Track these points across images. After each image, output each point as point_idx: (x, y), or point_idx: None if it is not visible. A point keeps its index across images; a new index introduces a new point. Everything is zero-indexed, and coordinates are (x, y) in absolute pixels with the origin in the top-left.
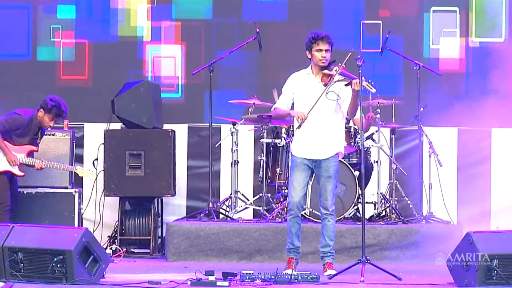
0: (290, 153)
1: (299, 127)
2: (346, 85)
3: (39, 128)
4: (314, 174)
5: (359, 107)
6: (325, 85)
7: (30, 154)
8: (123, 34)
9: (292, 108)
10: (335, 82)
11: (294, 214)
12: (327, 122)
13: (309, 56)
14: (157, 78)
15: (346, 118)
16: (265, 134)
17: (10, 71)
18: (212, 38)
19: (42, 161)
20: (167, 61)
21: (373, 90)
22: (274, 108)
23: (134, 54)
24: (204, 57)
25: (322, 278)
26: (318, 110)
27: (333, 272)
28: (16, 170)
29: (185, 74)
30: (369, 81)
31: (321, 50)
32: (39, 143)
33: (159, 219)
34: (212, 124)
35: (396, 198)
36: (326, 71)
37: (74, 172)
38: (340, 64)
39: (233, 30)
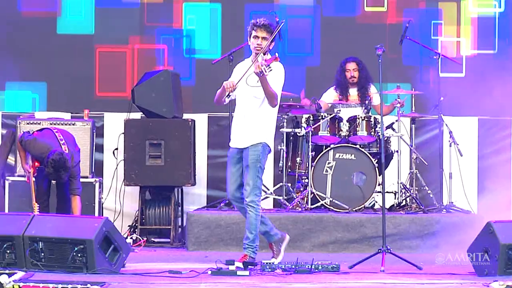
0: None
1: (227, 96)
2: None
3: None
4: None
5: (272, 94)
6: (258, 72)
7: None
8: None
9: None
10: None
11: (236, 207)
12: (255, 110)
13: (249, 43)
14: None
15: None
16: (285, 123)
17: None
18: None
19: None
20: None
21: (267, 74)
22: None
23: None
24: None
25: (342, 267)
26: (247, 98)
27: (238, 264)
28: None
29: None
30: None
31: (257, 37)
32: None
33: (179, 208)
34: (232, 113)
35: (417, 188)
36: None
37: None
38: (276, 54)
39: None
